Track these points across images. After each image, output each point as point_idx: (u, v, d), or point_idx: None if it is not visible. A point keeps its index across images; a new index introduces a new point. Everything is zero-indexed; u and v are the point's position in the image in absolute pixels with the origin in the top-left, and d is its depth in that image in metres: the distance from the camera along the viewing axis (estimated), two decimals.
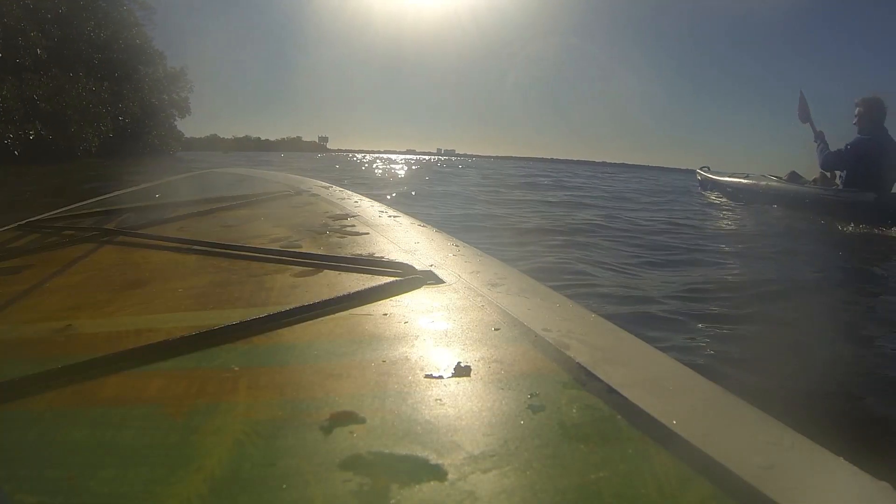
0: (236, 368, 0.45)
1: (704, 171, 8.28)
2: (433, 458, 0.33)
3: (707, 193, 7.99)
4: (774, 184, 5.90)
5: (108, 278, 0.80)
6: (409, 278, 0.64)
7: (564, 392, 0.40)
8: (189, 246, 0.90)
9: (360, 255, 0.78)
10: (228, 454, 0.34)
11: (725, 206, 6.70)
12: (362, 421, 0.37)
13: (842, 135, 5.05)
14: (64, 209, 1.49)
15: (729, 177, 7.30)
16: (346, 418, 0.37)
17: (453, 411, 0.38)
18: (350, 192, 1.37)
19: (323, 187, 1.45)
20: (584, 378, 0.41)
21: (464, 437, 0.35)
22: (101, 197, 1.67)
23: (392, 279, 0.64)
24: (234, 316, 0.56)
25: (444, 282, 0.63)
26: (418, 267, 0.67)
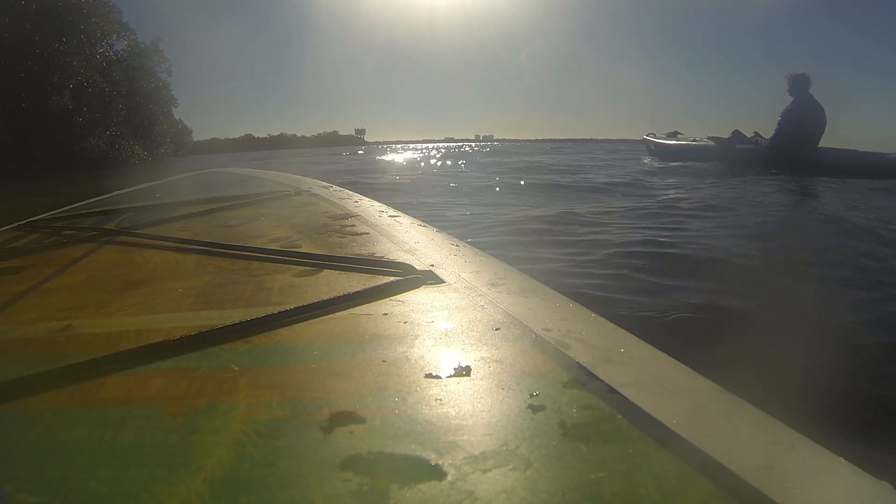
0: (236, 368, 0.45)
1: (651, 137, 9.52)
2: (433, 458, 0.33)
3: (651, 158, 9.28)
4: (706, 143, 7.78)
5: (108, 278, 0.80)
6: (409, 278, 0.64)
7: (564, 392, 0.39)
8: (189, 246, 0.90)
9: (360, 254, 0.78)
10: (228, 454, 0.34)
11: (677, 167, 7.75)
12: (362, 421, 0.37)
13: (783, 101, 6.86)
14: (64, 209, 1.49)
15: (675, 140, 8.78)
16: (346, 418, 0.37)
17: (453, 411, 0.38)
18: (350, 192, 1.37)
19: (323, 187, 1.45)
20: (584, 378, 0.41)
21: (464, 437, 0.35)
22: (101, 197, 1.67)
23: (392, 279, 0.64)
24: (234, 316, 0.56)
25: (444, 281, 0.63)
26: (418, 267, 0.67)
